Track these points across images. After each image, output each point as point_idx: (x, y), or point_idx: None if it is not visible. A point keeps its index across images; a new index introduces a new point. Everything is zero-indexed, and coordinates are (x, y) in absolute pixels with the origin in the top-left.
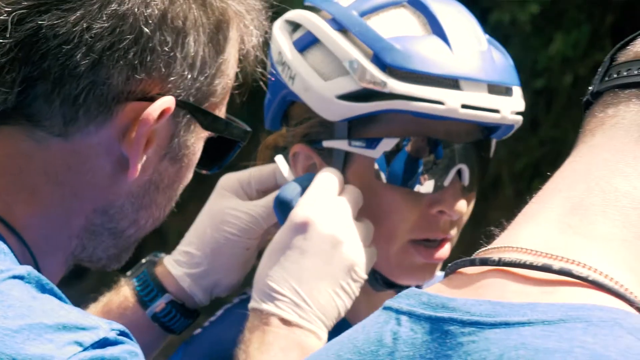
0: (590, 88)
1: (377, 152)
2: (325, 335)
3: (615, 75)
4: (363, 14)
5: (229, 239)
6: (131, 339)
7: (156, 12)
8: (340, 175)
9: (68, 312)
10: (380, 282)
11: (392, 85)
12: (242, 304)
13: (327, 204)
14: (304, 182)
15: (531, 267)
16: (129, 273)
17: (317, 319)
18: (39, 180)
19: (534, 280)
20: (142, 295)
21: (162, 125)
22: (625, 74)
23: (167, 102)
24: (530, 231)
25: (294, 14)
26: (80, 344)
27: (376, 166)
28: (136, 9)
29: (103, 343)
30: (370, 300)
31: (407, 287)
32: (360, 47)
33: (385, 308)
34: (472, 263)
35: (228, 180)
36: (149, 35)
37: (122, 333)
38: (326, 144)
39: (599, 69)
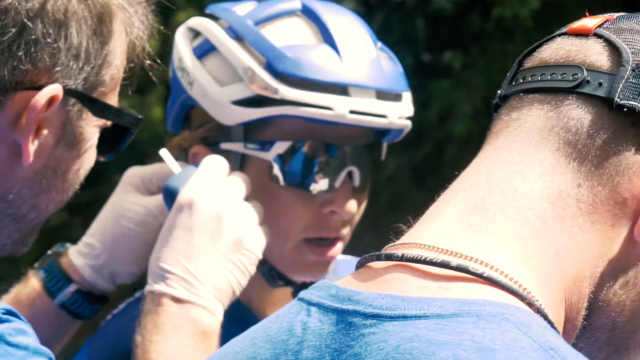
0: (499, 92)
1: (271, 154)
2: (219, 311)
3: (521, 80)
4: (258, 22)
5: (126, 232)
6: (19, 318)
7: (36, 5)
8: (225, 161)
9: None
10: (276, 278)
11: (284, 92)
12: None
13: (212, 185)
14: (191, 171)
15: (430, 263)
16: (36, 265)
17: (209, 294)
18: None
19: (433, 276)
20: (50, 286)
21: (53, 113)
22: (530, 79)
23: (53, 89)
24: (434, 228)
25: (194, 22)
26: None
27: (270, 168)
28: (17, 3)
29: None
30: (269, 295)
31: (304, 283)
32: (254, 55)
33: (299, 299)
34: (378, 258)
35: (131, 175)
36: (31, 28)
37: (7, 312)
38: (224, 146)
39: (508, 74)
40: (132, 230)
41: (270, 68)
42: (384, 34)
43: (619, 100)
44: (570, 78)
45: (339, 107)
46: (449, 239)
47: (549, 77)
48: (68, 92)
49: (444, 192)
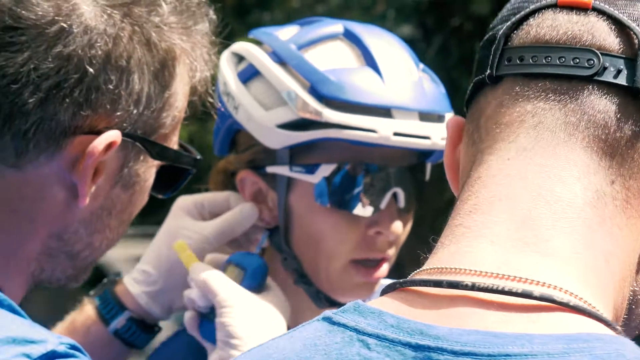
0: (487, 70)
1: (317, 177)
2: None
3: (518, 61)
4: (301, 47)
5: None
6: (83, 354)
7: (100, 52)
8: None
9: (18, 327)
10: (323, 300)
11: (328, 115)
12: None
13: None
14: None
15: (510, 293)
16: (91, 293)
17: None
18: None
19: (512, 307)
20: (104, 313)
21: (111, 157)
22: (531, 61)
23: (112, 136)
24: (483, 250)
25: (238, 47)
26: (28, 356)
27: (316, 190)
28: (80, 51)
29: (51, 356)
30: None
31: None
32: (298, 78)
33: (338, 325)
34: (438, 284)
35: (184, 201)
36: (94, 75)
37: (72, 347)
38: (269, 169)
39: (492, 48)
40: None
41: (314, 91)
42: (442, 57)
43: None
44: (586, 64)
45: (383, 130)
46: (508, 262)
47: (559, 62)
48: (127, 136)
49: (463, 200)
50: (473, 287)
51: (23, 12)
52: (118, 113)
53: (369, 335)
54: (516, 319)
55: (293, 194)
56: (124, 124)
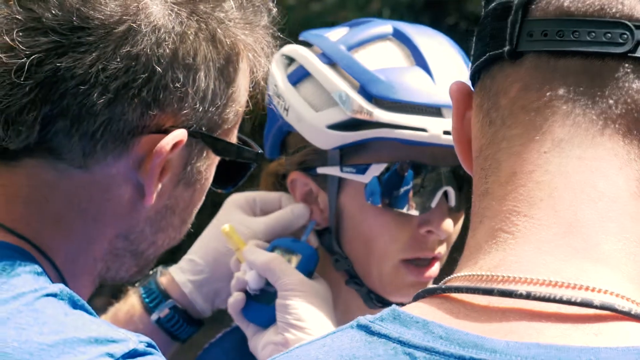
0: (504, 45)
1: (367, 177)
2: None
3: (542, 37)
4: (350, 47)
5: (229, 249)
6: (157, 350)
7: (167, 51)
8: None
9: (99, 326)
10: (374, 300)
11: (378, 115)
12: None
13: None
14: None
15: (569, 302)
16: (137, 284)
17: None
18: (64, 209)
19: (570, 318)
20: (148, 302)
21: (175, 155)
22: (556, 37)
23: (179, 134)
24: (531, 256)
25: (288, 49)
26: (111, 355)
27: (367, 190)
28: (148, 50)
29: (132, 354)
30: None
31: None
32: (348, 79)
33: (373, 333)
34: (488, 293)
35: (237, 197)
36: (161, 74)
37: (149, 345)
38: (320, 170)
39: (508, 18)
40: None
41: (364, 92)
42: None
43: None
44: (619, 39)
45: (433, 129)
46: (560, 270)
47: (588, 38)
48: (192, 134)
49: (497, 198)
50: (528, 296)
51: (90, 12)
52: (184, 111)
53: (416, 347)
54: (577, 330)
55: (344, 194)
56: (190, 122)
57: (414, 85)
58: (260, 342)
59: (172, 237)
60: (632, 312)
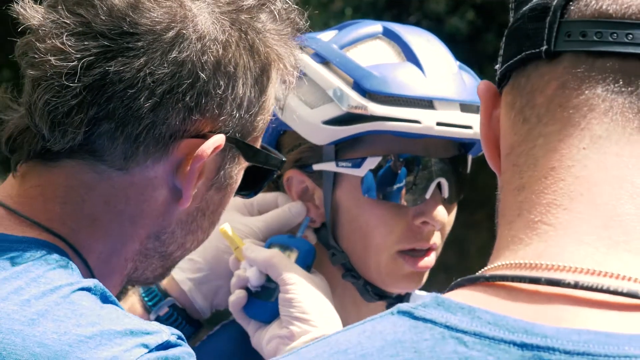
0: (542, 45)
1: (363, 171)
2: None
3: (580, 37)
4: (342, 46)
5: (228, 247)
6: (185, 342)
7: (212, 59)
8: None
9: (132, 319)
10: (371, 293)
11: (373, 109)
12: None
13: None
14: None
15: (616, 292)
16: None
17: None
18: (100, 209)
19: (616, 306)
20: (147, 301)
21: (211, 160)
22: (595, 38)
23: (219, 139)
24: (573, 247)
25: None
26: (146, 346)
27: (363, 184)
28: (194, 56)
29: (166, 345)
30: (360, 312)
31: (398, 296)
32: (342, 76)
33: (418, 318)
34: (535, 281)
35: (234, 200)
36: (205, 80)
37: (179, 337)
38: (316, 167)
39: (546, 19)
40: None
41: (358, 87)
42: None
43: None
44: None
45: (426, 120)
46: (604, 262)
47: (627, 40)
48: (228, 140)
49: (536, 192)
50: (576, 285)
51: (139, 18)
52: (222, 117)
53: (465, 332)
54: (625, 319)
55: (339, 189)
56: (226, 128)
57: (406, 79)
58: (264, 337)
59: (200, 239)
60: None
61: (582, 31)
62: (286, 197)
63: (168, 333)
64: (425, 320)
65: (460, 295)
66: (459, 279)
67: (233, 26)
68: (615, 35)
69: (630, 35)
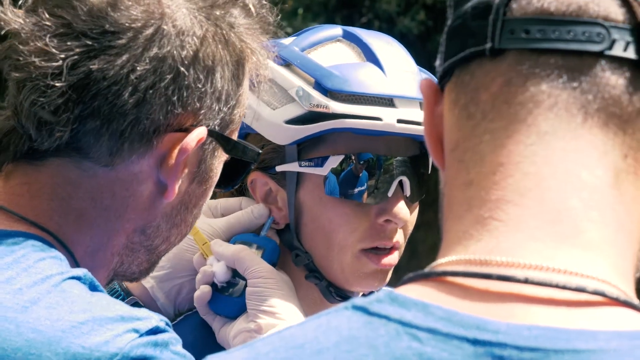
0: (486, 43)
1: (325, 170)
2: None
3: (523, 35)
4: (303, 49)
5: (190, 247)
6: (171, 329)
7: (190, 53)
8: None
9: (122, 306)
10: (334, 294)
11: (334, 107)
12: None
13: None
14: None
15: (565, 288)
16: None
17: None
18: (86, 205)
19: (564, 302)
20: None
21: (193, 153)
22: (538, 35)
23: (202, 132)
24: (525, 245)
25: None
26: (137, 331)
27: (325, 183)
28: (174, 51)
29: (155, 330)
30: (319, 310)
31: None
32: (303, 76)
33: (372, 314)
34: (487, 277)
35: None
36: (185, 74)
37: (167, 324)
38: (279, 168)
39: (489, 17)
40: (196, 246)
41: (319, 86)
42: None
43: None
44: (596, 38)
45: (387, 117)
46: (553, 257)
47: (568, 37)
48: (208, 133)
49: (484, 188)
50: (526, 281)
51: (118, 16)
52: (203, 111)
53: (419, 328)
54: (573, 314)
55: (303, 189)
56: (207, 121)
57: (367, 78)
58: (230, 331)
59: (183, 233)
60: (621, 299)
61: (525, 28)
62: (250, 201)
63: (157, 319)
64: (379, 316)
65: (414, 291)
66: (411, 274)
67: (208, 21)
68: (557, 32)
69: (572, 33)
